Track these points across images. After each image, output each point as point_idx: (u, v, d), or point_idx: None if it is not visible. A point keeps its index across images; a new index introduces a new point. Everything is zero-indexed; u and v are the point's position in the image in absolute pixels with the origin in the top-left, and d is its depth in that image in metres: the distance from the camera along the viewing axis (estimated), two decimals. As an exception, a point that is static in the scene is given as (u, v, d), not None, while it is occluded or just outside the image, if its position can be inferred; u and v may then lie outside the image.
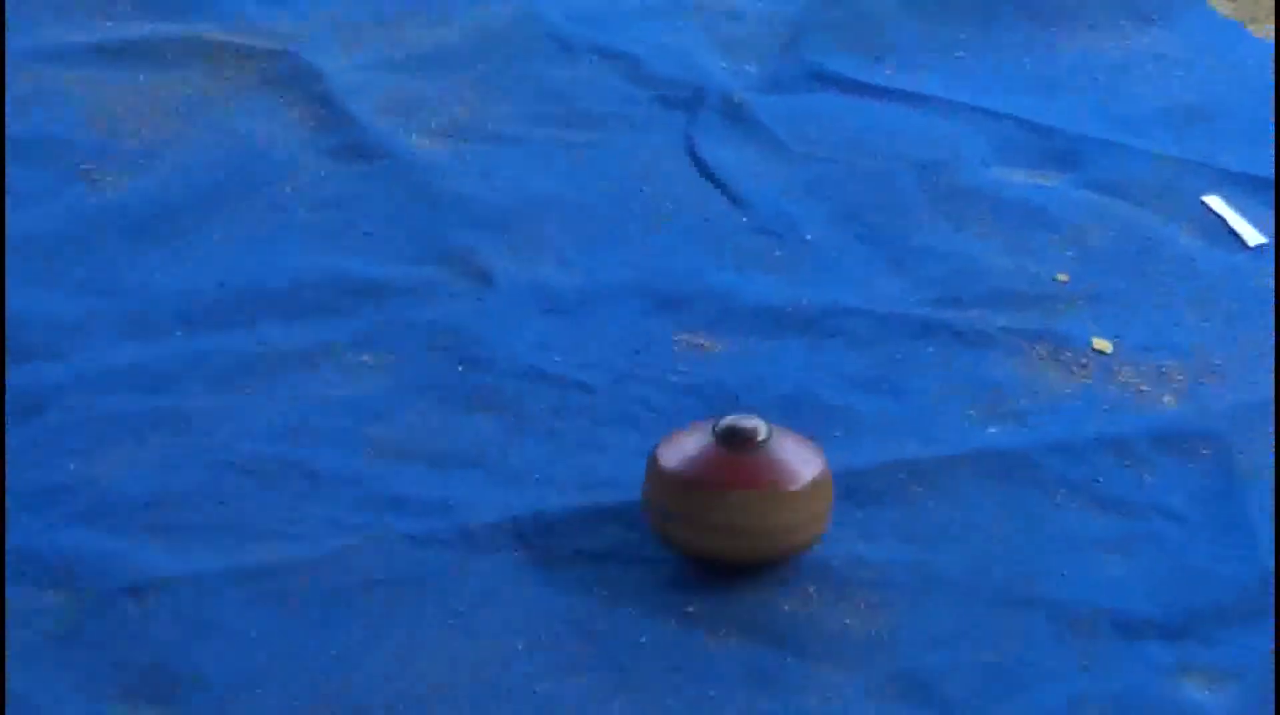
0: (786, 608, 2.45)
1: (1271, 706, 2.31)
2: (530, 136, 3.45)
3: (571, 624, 2.42)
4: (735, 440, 2.48)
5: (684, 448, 2.54)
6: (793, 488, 2.66)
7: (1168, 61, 3.70)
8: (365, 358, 2.89)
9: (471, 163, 3.41)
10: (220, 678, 2.30)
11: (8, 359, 2.77)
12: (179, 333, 3.07)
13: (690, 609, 2.41)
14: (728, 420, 2.50)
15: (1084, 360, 2.79)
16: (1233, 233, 3.23)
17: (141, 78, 3.80)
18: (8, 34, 3.90)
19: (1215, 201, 3.24)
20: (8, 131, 3.40)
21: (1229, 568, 2.52)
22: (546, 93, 3.52)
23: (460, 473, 2.63)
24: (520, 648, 2.33)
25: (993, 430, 2.62)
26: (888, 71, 3.52)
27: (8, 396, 2.67)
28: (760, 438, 2.53)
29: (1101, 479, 2.60)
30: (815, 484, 2.59)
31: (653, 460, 2.62)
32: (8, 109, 3.61)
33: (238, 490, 2.61)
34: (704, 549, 2.64)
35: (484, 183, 3.37)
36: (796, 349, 2.83)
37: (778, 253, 3.02)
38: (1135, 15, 3.88)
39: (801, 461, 2.67)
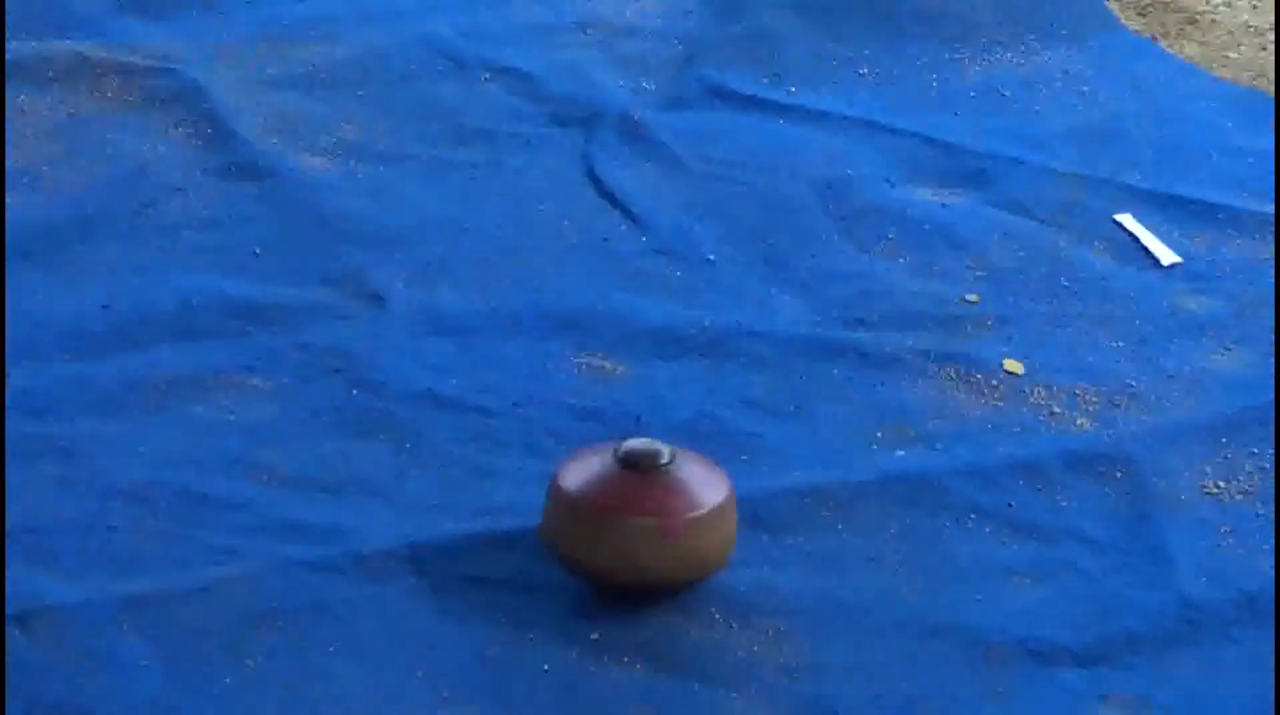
0: (693, 635, 2.43)
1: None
2: (422, 156, 3.42)
3: (471, 653, 2.39)
4: (638, 464, 2.51)
5: (586, 471, 2.54)
6: (697, 513, 2.68)
7: (1076, 79, 3.68)
8: (256, 382, 2.84)
9: (362, 182, 3.40)
10: (108, 711, 2.28)
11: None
12: (64, 357, 3.04)
13: (594, 636, 2.38)
14: (629, 444, 2.49)
15: (995, 382, 2.81)
16: (1145, 251, 3.23)
17: (22, 97, 3.78)
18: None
19: (1128, 219, 3.22)
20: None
21: (1144, 594, 2.52)
22: (439, 111, 3.49)
23: (354, 499, 2.59)
24: (419, 677, 2.31)
25: (900, 453, 2.62)
26: (790, 90, 3.47)
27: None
28: (663, 462, 2.53)
29: (1013, 503, 2.61)
30: (720, 508, 2.59)
31: (554, 484, 2.61)
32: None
33: (127, 518, 2.55)
34: (607, 573, 2.63)
35: (375, 203, 3.37)
36: (699, 371, 2.82)
37: (679, 274, 3.01)
38: (1043, 33, 3.84)
39: (706, 486, 2.65)
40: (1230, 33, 4.19)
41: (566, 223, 3.17)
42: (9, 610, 2.43)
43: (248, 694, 2.36)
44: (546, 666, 2.40)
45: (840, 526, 2.67)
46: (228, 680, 2.32)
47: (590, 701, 2.40)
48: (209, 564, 2.48)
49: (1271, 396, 3.03)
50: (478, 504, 2.58)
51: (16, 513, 2.60)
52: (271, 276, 3.19)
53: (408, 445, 2.73)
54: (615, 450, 2.76)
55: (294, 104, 3.57)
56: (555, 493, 2.52)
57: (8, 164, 3.51)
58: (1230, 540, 2.76)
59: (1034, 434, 2.84)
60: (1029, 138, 3.50)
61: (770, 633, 2.47)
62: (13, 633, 2.42)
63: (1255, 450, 2.90)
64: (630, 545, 2.64)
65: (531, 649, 2.43)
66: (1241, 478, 2.86)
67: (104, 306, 3.22)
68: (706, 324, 2.97)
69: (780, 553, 2.61)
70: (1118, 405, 2.92)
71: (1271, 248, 3.40)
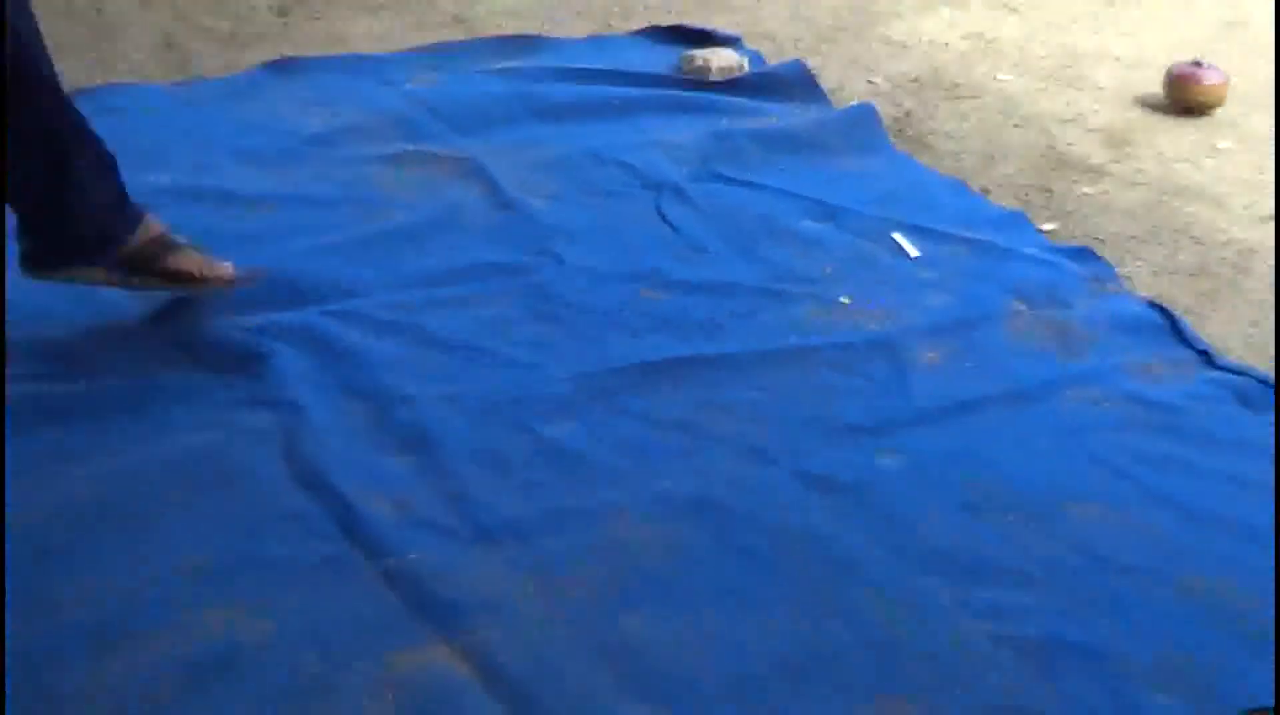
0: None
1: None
2: (587, 199, 5.29)
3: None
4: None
5: None
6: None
7: (872, 172, 5.57)
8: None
9: (561, 210, 5.13)
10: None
11: None
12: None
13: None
14: None
15: (838, 307, 4.79)
16: (904, 250, 5.09)
17: (397, 170, 5.41)
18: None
19: (899, 236, 5.10)
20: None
21: (899, 402, 4.57)
22: (598, 179, 5.40)
23: None
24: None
25: (809, 338, 4.76)
26: (751, 178, 5.52)
27: None
28: None
29: (844, 359, 4.71)
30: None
31: None
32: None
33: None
34: None
35: (576, 218, 5.11)
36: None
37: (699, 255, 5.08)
38: (854, 150, 5.69)
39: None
40: (948, 151, 5.78)
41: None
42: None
43: None
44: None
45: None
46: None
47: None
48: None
49: (959, 314, 4.81)
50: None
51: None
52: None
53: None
54: None
55: (529, 176, 5.18)
56: None
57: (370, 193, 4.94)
58: (942, 379, 4.54)
59: (853, 330, 4.63)
60: (854, 198, 5.33)
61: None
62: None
63: (953, 340, 4.65)
64: None
65: None
66: (946, 352, 4.60)
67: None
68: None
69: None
70: (890, 317, 4.70)
71: (968, 251, 5.15)
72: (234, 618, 3.51)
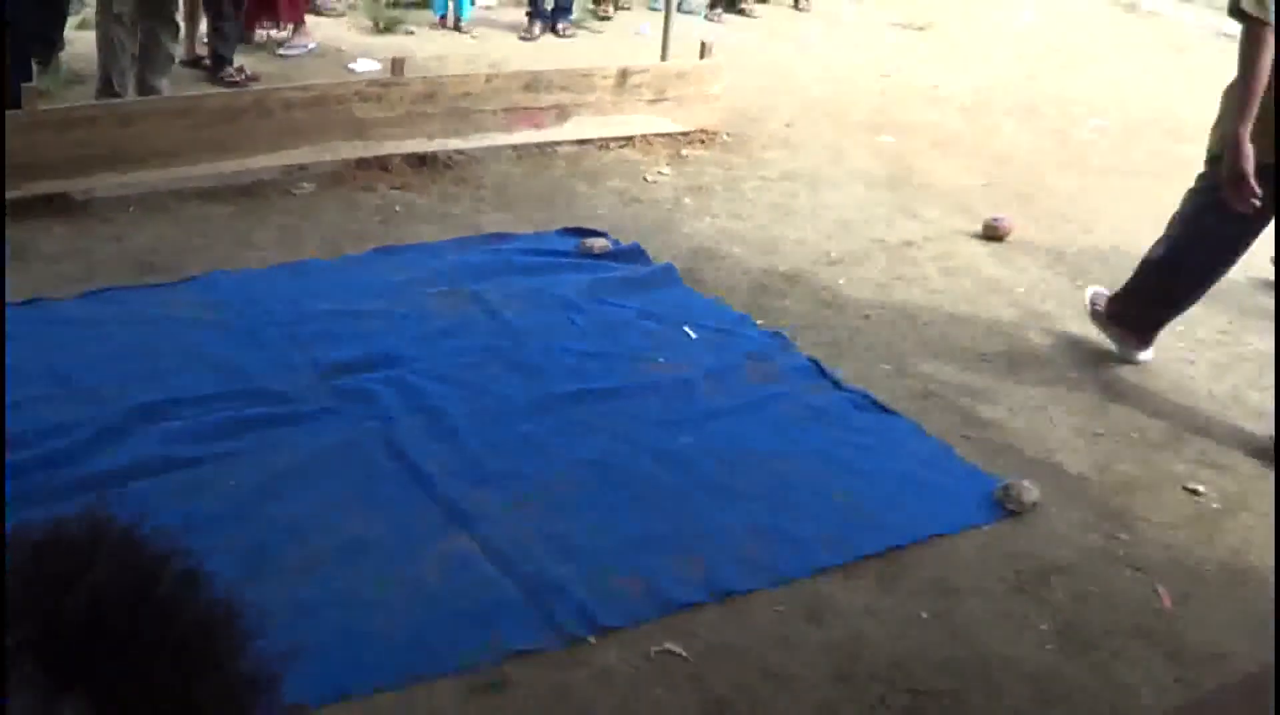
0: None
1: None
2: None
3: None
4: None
5: None
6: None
7: (673, 298, 5.33)
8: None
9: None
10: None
11: None
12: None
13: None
14: None
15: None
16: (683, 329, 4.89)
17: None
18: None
19: (687, 328, 4.84)
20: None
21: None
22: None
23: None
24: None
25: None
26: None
27: None
28: None
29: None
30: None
31: None
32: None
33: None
34: None
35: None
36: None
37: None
38: (666, 286, 5.38)
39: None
40: (712, 286, 5.54)
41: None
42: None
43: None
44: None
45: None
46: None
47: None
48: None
49: (718, 366, 4.64)
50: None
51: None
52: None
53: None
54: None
55: (506, 301, 5.29)
56: None
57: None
58: (712, 398, 4.44)
59: (666, 375, 4.58)
60: (665, 310, 5.16)
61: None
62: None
63: (716, 379, 4.53)
64: None
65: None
66: (713, 384, 4.52)
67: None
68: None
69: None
70: (684, 368, 4.61)
71: (721, 335, 4.88)
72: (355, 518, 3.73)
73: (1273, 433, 4.42)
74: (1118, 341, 5.01)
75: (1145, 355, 5.00)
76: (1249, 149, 4.13)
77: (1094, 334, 5.18)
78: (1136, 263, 4.91)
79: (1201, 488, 4.21)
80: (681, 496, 3.95)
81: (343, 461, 3.94)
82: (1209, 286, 4.79)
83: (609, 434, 4.24)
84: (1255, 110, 4.11)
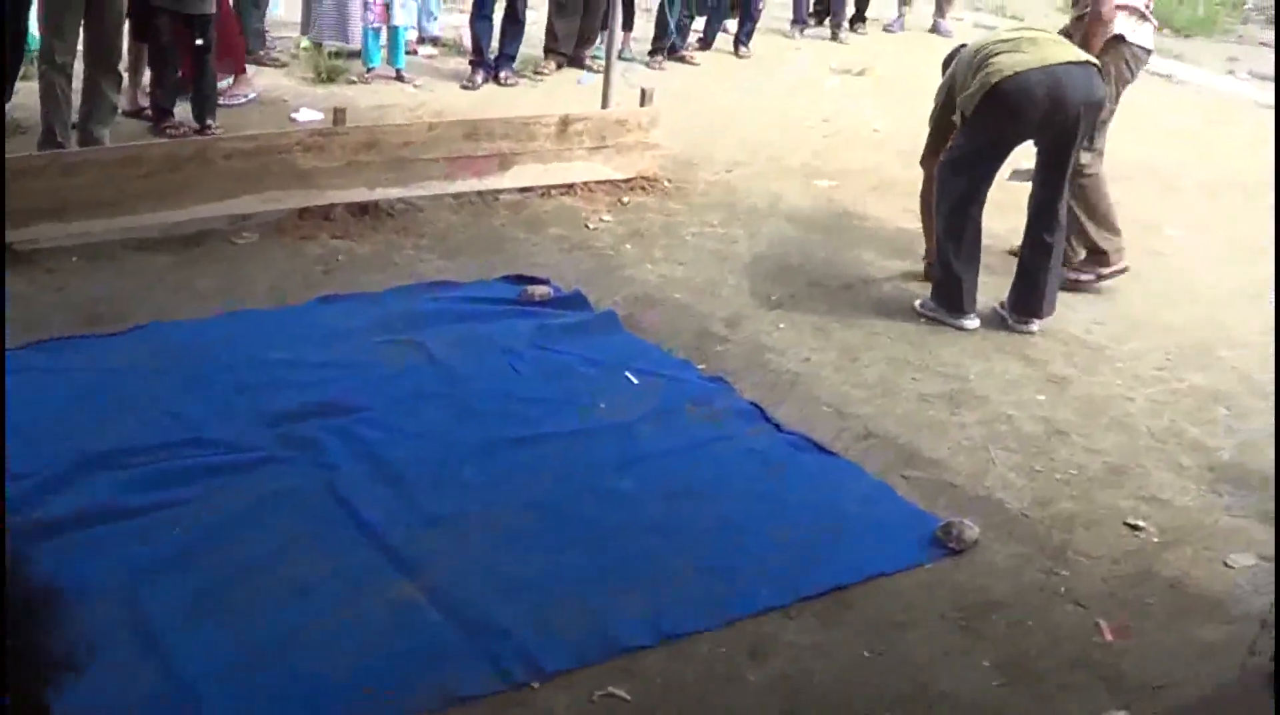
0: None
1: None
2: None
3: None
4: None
5: None
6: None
7: (614, 344, 5.27)
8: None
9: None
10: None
11: None
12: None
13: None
14: None
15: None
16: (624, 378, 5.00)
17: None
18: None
19: (629, 373, 4.83)
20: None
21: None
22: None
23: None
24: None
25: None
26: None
27: None
28: None
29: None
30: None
31: None
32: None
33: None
34: None
35: None
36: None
37: None
38: (606, 332, 5.38)
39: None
40: (652, 332, 5.51)
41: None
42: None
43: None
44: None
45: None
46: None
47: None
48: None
49: (659, 409, 4.65)
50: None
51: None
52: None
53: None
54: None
55: (450, 349, 5.12)
56: None
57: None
58: (653, 441, 4.44)
59: (606, 419, 4.60)
60: (606, 356, 5.11)
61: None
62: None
63: (657, 422, 4.53)
64: None
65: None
66: (654, 427, 4.51)
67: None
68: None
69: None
70: (625, 413, 4.62)
71: (662, 380, 4.88)
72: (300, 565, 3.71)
73: (1212, 465, 4.65)
74: (945, 316, 5.72)
75: (972, 322, 5.69)
76: None
77: (1036, 373, 5.33)
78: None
79: (1141, 522, 4.24)
80: (624, 539, 3.94)
81: (288, 508, 3.92)
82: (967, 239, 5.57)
83: (552, 478, 4.21)
84: None
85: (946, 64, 5.98)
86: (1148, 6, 5.94)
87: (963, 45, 5.97)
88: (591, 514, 4.06)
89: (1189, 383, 5.37)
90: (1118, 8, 5.76)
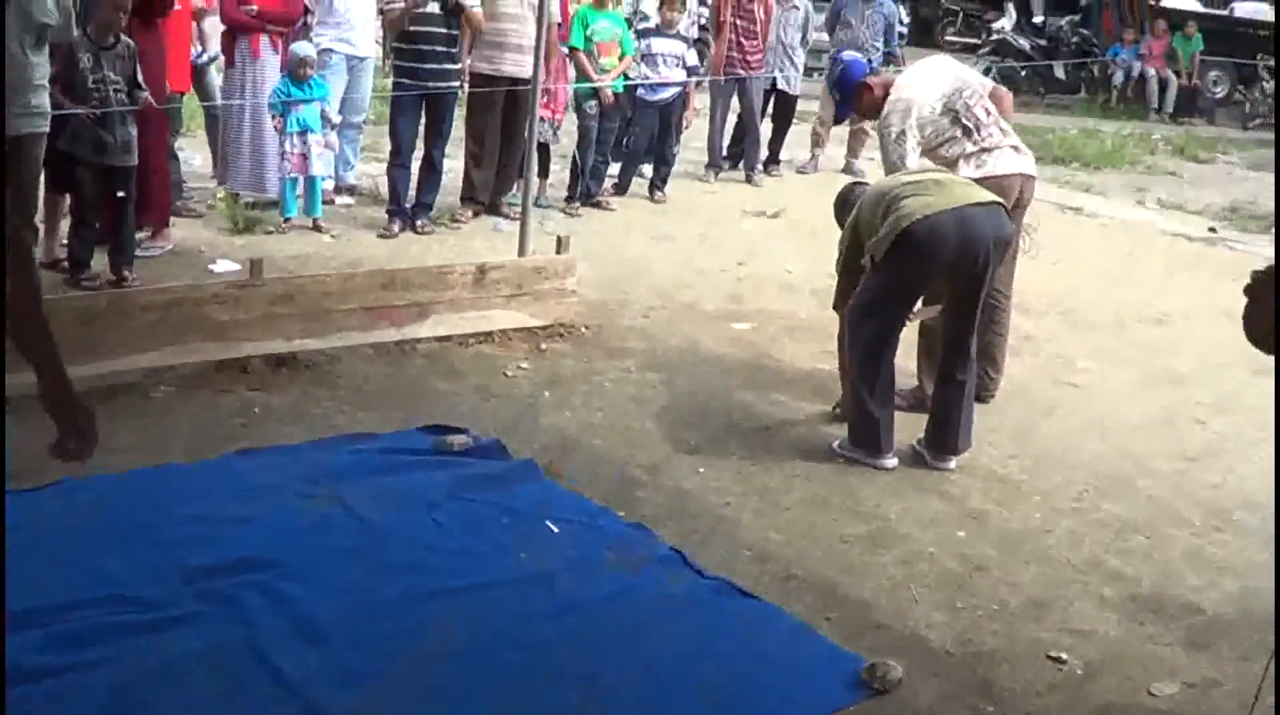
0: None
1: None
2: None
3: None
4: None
5: None
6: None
7: (534, 493, 5.28)
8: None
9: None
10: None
11: None
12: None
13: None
14: None
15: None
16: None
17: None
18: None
19: (549, 522, 4.84)
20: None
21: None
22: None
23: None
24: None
25: None
26: None
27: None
28: None
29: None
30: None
31: None
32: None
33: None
34: None
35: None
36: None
37: None
38: (525, 481, 5.39)
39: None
40: (570, 480, 5.51)
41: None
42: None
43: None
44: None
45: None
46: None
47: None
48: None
49: (579, 557, 4.62)
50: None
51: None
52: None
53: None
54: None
55: (367, 501, 5.17)
56: None
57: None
58: (573, 590, 4.40)
59: (527, 568, 4.54)
60: (528, 504, 5.11)
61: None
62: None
63: (578, 572, 4.51)
64: None
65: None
66: (575, 576, 4.51)
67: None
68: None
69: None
70: (544, 561, 4.59)
71: (582, 526, 4.89)
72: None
73: (1133, 594, 4.73)
74: (864, 457, 5.76)
75: (891, 461, 5.76)
76: None
77: (955, 509, 5.40)
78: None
79: (1064, 655, 4.26)
80: (545, 689, 3.92)
81: (208, 667, 3.88)
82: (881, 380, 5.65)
83: (472, 629, 4.20)
84: None
85: (839, 203, 6.18)
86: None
87: (856, 184, 6.28)
88: (512, 665, 4.02)
89: (1106, 513, 5.44)
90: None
